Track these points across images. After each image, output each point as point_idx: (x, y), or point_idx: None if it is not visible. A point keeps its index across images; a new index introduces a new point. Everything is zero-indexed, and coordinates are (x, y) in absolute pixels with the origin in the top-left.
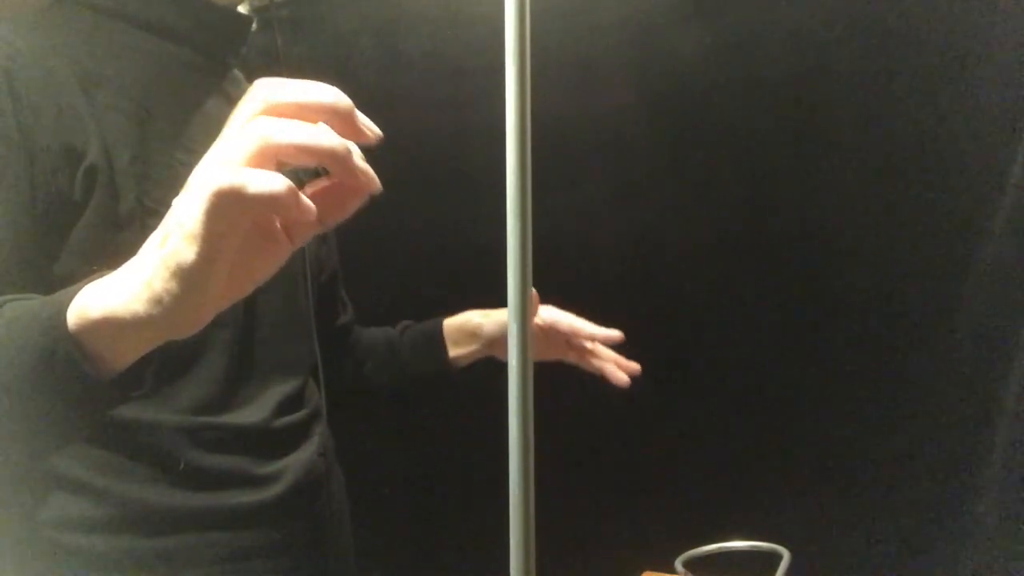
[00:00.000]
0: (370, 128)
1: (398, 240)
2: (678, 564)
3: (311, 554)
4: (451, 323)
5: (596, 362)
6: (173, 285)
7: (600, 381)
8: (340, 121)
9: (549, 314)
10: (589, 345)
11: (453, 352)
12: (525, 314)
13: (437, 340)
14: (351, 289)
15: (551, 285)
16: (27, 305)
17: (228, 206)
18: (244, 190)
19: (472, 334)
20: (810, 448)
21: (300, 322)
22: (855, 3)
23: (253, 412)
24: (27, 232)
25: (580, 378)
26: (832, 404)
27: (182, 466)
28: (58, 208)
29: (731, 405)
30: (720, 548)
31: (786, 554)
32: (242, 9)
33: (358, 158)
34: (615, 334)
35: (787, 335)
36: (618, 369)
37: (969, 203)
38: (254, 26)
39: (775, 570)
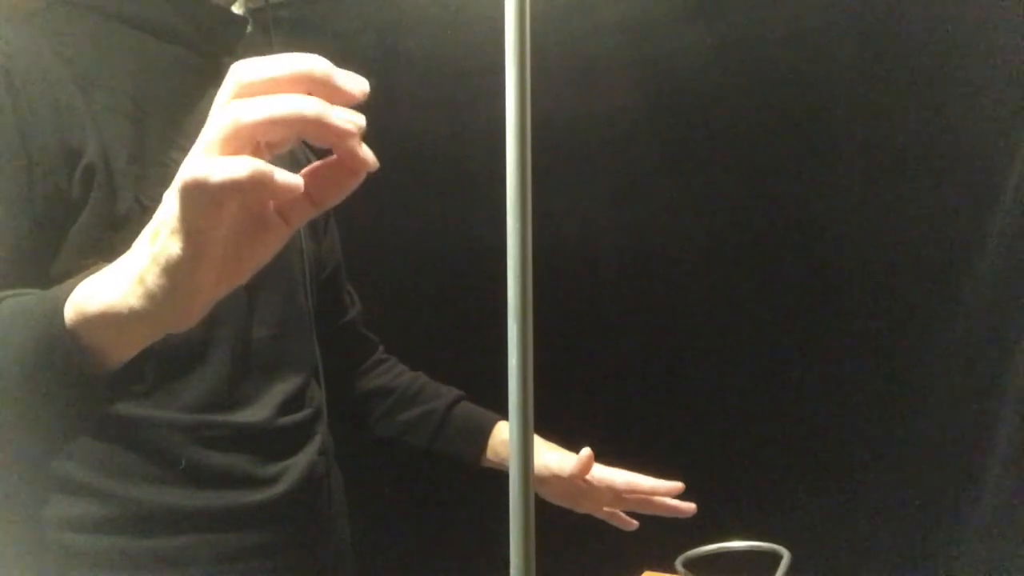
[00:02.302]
0: (354, 85)
1: (398, 240)
2: (678, 564)
3: (311, 554)
4: (499, 434)
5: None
6: (164, 281)
7: (598, 384)
8: (319, 87)
9: (603, 474)
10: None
11: (490, 455)
12: (525, 314)
13: (482, 439)
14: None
15: (551, 285)
16: (24, 301)
17: (198, 199)
18: (208, 180)
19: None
20: (810, 448)
21: (301, 322)
22: (855, 3)
23: (255, 411)
24: (26, 230)
25: (580, 378)
26: (832, 404)
27: (183, 465)
28: (56, 206)
29: (731, 405)
30: (720, 548)
31: (786, 554)
32: (237, 9)
33: (337, 116)
34: (677, 486)
35: (787, 335)
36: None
37: (969, 203)
38: (249, 27)
39: (775, 570)
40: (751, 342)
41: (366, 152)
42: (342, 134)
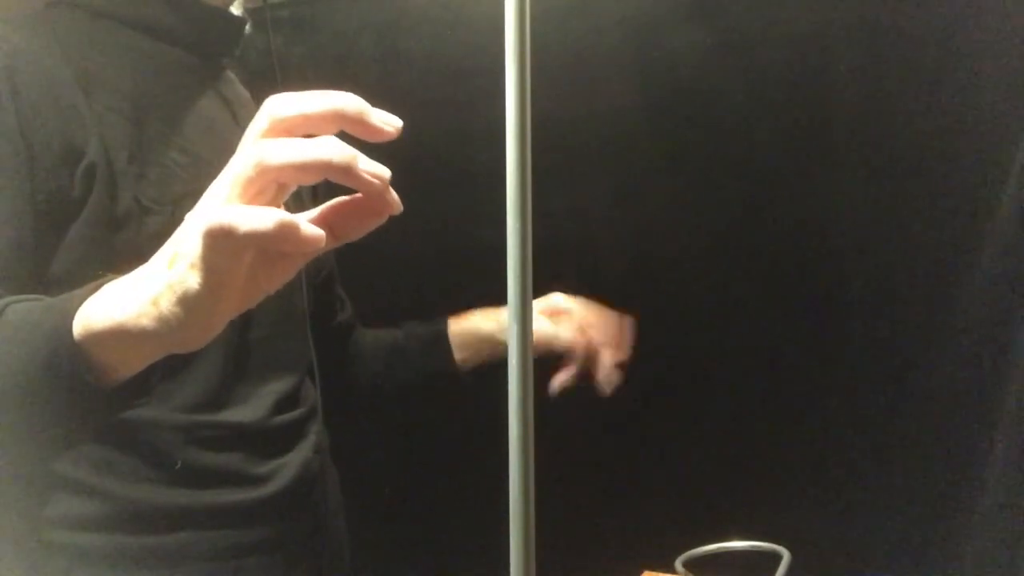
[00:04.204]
0: (388, 123)
1: (398, 240)
2: (678, 564)
3: (307, 552)
4: (457, 327)
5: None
6: (179, 310)
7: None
8: (352, 125)
9: (559, 301)
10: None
11: (460, 355)
12: (525, 314)
13: (443, 344)
14: (351, 289)
15: (551, 285)
16: (31, 309)
17: (222, 244)
18: (235, 230)
19: (482, 339)
20: (810, 448)
21: (296, 321)
22: (855, 3)
23: (249, 410)
24: (28, 228)
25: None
26: (832, 404)
27: (178, 465)
28: (58, 205)
29: (731, 404)
30: (720, 548)
31: (786, 554)
32: (235, 10)
33: (364, 166)
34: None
35: (787, 334)
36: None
37: (969, 202)
38: (248, 27)
39: (775, 570)
40: (751, 342)
41: (392, 196)
42: (368, 185)
